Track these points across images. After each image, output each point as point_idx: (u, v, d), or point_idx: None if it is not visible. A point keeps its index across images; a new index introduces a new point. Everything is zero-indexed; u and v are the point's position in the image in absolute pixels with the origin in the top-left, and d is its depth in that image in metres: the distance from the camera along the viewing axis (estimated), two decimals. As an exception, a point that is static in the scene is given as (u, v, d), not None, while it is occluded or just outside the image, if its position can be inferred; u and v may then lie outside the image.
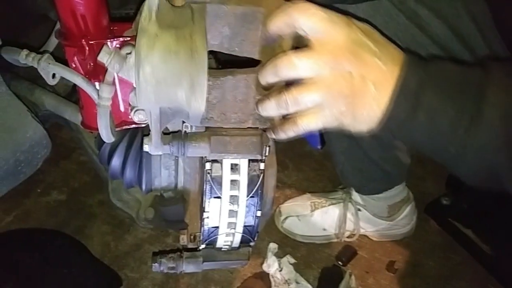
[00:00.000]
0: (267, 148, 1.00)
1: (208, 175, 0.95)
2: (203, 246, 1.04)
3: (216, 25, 0.93)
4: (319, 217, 1.85)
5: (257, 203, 0.98)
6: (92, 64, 1.12)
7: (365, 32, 0.81)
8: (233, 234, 1.01)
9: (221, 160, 0.95)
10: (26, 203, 1.93)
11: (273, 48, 0.89)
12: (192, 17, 0.87)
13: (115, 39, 1.11)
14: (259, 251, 1.78)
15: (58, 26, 1.17)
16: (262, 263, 1.74)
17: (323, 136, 1.66)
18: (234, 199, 0.96)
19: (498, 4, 1.15)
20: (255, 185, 0.97)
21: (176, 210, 1.14)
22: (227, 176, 0.96)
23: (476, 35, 1.18)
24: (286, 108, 0.82)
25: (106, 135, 1.03)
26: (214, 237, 1.01)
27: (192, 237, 1.15)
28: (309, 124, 0.82)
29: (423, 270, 1.83)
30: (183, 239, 1.16)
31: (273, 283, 1.69)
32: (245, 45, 0.95)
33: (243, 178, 0.96)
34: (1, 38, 1.19)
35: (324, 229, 1.85)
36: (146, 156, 1.13)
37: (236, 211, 0.96)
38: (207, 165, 0.95)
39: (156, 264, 1.10)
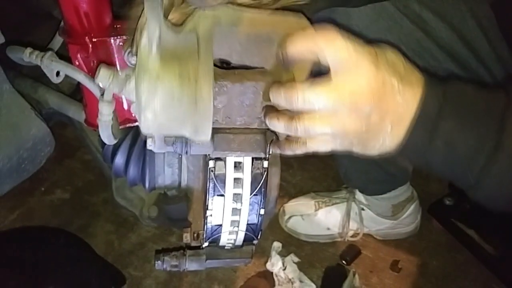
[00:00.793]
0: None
1: (212, 173, 0.95)
2: (206, 244, 1.04)
3: (225, 43, 0.89)
4: (323, 217, 1.84)
5: (261, 201, 0.98)
6: (95, 61, 1.12)
7: (391, 65, 0.77)
8: (237, 232, 1.00)
9: (225, 158, 0.95)
10: (30, 201, 1.93)
11: None
12: (198, 49, 0.81)
13: (118, 37, 1.11)
14: (263, 250, 1.78)
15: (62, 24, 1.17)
16: (266, 262, 1.74)
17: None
18: (237, 197, 0.96)
19: (503, 8, 1.15)
20: (259, 183, 0.96)
21: (179, 208, 1.14)
22: (230, 174, 0.95)
23: (481, 38, 1.17)
24: (295, 132, 0.79)
25: (109, 141, 1.03)
26: (218, 235, 1.00)
27: (195, 235, 1.15)
28: (318, 148, 0.80)
29: (427, 269, 1.83)
30: (187, 237, 1.16)
31: (276, 282, 1.69)
32: (257, 60, 0.92)
33: (246, 176, 0.96)
34: (6, 37, 1.19)
35: (328, 229, 1.85)
36: (150, 154, 1.13)
37: (240, 209, 0.96)
38: (211, 163, 0.95)
39: (159, 262, 1.10)
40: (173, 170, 1.14)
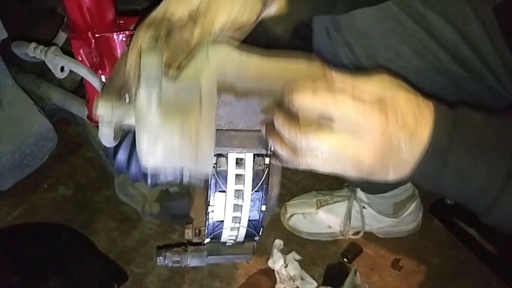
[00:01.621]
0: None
1: (213, 169, 0.95)
2: (208, 240, 1.04)
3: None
4: (324, 215, 1.84)
5: (262, 197, 0.98)
6: (97, 57, 1.12)
7: (400, 118, 0.73)
8: (238, 228, 1.00)
9: (226, 154, 0.95)
10: (33, 198, 1.93)
11: None
12: (200, 101, 0.77)
13: (121, 32, 1.12)
14: (264, 247, 1.78)
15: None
16: (267, 260, 1.74)
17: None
18: (239, 193, 0.96)
19: (504, 12, 1.14)
20: (260, 180, 0.96)
21: (181, 204, 1.14)
22: (232, 170, 0.95)
23: (485, 40, 1.17)
24: (297, 166, 0.77)
25: (109, 144, 1.03)
26: (219, 231, 1.00)
27: (197, 231, 1.15)
28: (319, 169, 0.78)
29: (428, 267, 1.83)
30: (188, 234, 1.16)
31: (278, 280, 1.69)
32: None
33: (248, 172, 0.96)
34: (9, 33, 1.20)
35: (330, 227, 1.85)
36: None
37: (241, 205, 0.96)
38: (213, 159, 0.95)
39: (161, 257, 1.10)
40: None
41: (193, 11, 0.81)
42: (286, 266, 1.70)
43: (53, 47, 1.05)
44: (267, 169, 0.97)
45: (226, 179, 0.95)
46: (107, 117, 0.79)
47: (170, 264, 1.10)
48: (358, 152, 0.73)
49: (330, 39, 1.28)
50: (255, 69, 0.79)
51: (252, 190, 0.96)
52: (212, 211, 0.97)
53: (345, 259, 1.80)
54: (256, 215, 1.00)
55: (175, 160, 0.75)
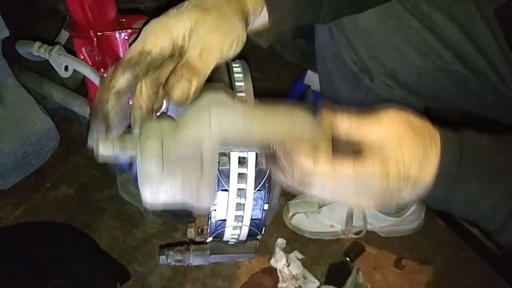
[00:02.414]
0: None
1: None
2: (210, 239, 1.04)
3: None
4: (326, 214, 1.84)
5: (265, 196, 0.98)
6: (99, 55, 1.12)
7: (407, 168, 0.74)
8: (240, 227, 1.00)
9: (229, 153, 0.95)
10: (35, 197, 1.93)
11: None
12: (201, 159, 0.75)
13: (123, 31, 1.12)
14: (267, 246, 1.78)
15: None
16: (270, 259, 1.74)
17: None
18: (241, 192, 0.96)
19: (506, 14, 1.13)
20: (263, 179, 0.96)
21: (183, 203, 1.14)
22: (234, 169, 0.95)
23: (489, 39, 1.16)
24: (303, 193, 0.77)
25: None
26: (221, 230, 1.00)
27: (199, 230, 1.15)
28: (321, 198, 0.78)
29: (430, 266, 1.83)
30: (191, 232, 1.16)
31: (280, 279, 1.69)
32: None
33: (250, 171, 0.96)
34: (11, 32, 1.20)
35: (332, 226, 1.84)
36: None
37: (244, 204, 0.96)
38: (215, 158, 0.95)
39: (163, 256, 1.10)
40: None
41: (177, 45, 0.78)
42: (288, 265, 1.70)
43: (57, 46, 1.05)
44: (269, 168, 0.97)
45: (229, 178, 0.95)
46: (109, 155, 0.77)
47: (172, 263, 1.10)
48: (359, 201, 0.75)
49: (333, 39, 1.28)
50: (259, 133, 0.77)
51: (255, 189, 0.96)
52: (215, 210, 0.97)
53: (347, 258, 1.80)
54: (258, 214, 1.00)
55: (176, 204, 0.76)
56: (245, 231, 1.01)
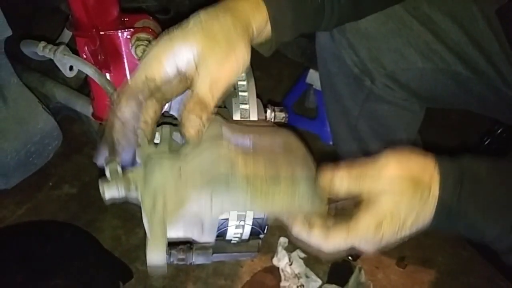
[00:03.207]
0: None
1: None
2: (213, 238, 1.04)
3: None
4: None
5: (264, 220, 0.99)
6: (102, 54, 1.12)
7: (396, 219, 0.79)
8: (243, 226, 1.00)
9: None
10: (38, 196, 1.93)
11: None
12: (202, 227, 0.85)
13: (126, 30, 1.12)
14: (269, 245, 1.78)
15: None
16: (272, 257, 1.74)
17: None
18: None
19: (506, 16, 1.13)
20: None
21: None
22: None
23: (491, 39, 1.15)
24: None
25: None
26: (224, 229, 1.00)
27: (202, 229, 1.15)
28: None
29: (432, 265, 1.83)
30: (193, 231, 1.16)
31: (283, 277, 1.69)
32: None
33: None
34: (13, 31, 1.20)
35: (334, 224, 1.84)
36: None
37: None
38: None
39: (166, 255, 1.10)
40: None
41: (181, 71, 0.79)
42: (291, 264, 1.70)
43: (62, 46, 1.05)
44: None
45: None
46: (116, 197, 0.81)
47: (175, 262, 1.10)
48: (357, 248, 0.83)
49: (333, 41, 1.28)
50: (258, 212, 0.89)
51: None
52: (217, 209, 0.97)
53: (349, 257, 1.80)
54: (261, 213, 1.00)
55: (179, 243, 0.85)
56: (247, 230, 1.01)
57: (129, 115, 0.77)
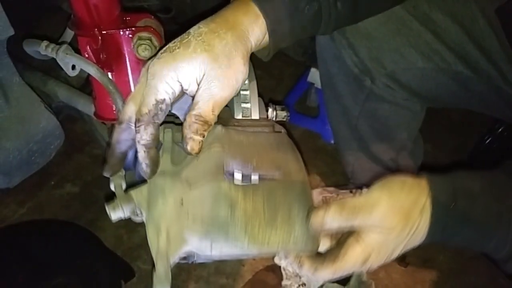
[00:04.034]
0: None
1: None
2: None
3: None
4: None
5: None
6: (104, 53, 1.13)
7: (383, 251, 0.85)
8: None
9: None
10: (40, 195, 1.94)
11: None
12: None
13: (128, 29, 1.12)
14: (271, 244, 1.78)
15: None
16: (274, 256, 1.74)
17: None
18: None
19: (506, 15, 1.13)
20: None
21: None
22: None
23: (492, 39, 1.15)
24: None
25: None
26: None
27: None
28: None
29: (434, 264, 1.83)
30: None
31: (284, 276, 1.68)
32: None
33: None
34: (16, 30, 1.20)
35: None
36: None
37: (249, 177, 0.95)
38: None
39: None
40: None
41: (185, 89, 0.82)
42: (292, 263, 1.70)
43: (64, 46, 1.05)
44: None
45: (233, 176, 0.94)
46: (122, 217, 0.88)
47: (177, 261, 1.10)
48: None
49: (333, 41, 1.28)
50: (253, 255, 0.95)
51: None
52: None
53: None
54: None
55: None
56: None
57: (151, 140, 0.81)
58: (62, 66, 1.07)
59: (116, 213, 0.87)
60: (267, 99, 1.10)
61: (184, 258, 1.09)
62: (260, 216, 0.83)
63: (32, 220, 1.83)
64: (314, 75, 2.14)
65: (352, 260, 0.83)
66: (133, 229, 1.84)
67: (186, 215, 0.82)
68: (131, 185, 0.93)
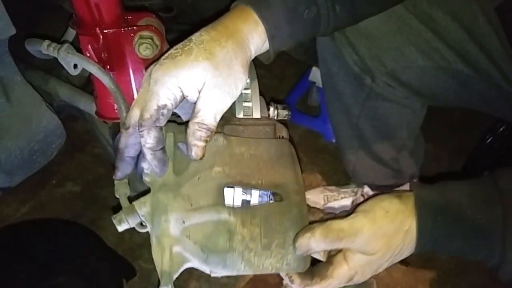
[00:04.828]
0: (281, 138, 1.01)
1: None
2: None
3: None
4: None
5: (269, 193, 0.98)
6: (106, 52, 1.13)
7: (367, 272, 0.93)
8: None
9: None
10: (41, 194, 1.94)
11: None
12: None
13: (129, 28, 1.12)
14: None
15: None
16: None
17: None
18: (247, 189, 0.96)
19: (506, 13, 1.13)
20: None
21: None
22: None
23: (492, 37, 1.15)
24: None
25: None
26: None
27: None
28: None
29: (435, 263, 1.83)
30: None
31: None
32: None
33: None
34: (18, 30, 1.20)
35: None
36: (160, 146, 1.14)
37: (249, 201, 0.96)
38: (221, 155, 0.95)
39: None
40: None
41: (186, 95, 0.84)
42: (293, 262, 1.70)
43: (66, 45, 1.05)
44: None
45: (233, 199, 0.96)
46: (128, 226, 0.93)
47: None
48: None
49: (333, 40, 1.28)
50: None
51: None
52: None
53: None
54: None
55: None
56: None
57: (155, 143, 0.84)
58: (64, 65, 1.07)
59: (122, 226, 0.92)
60: (268, 98, 1.11)
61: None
62: (257, 243, 0.87)
63: (34, 219, 1.84)
64: (315, 74, 2.15)
65: (339, 279, 0.91)
66: (135, 228, 1.84)
67: (187, 236, 0.86)
68: (135, 190, 0.96)
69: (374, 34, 1.20)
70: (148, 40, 1.12)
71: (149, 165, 0.88)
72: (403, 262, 1.78)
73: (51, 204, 1.92)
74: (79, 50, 1.10)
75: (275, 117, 1.09)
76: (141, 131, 0.83)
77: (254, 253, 0.87)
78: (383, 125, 1.44)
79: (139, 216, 0.91)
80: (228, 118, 0.99)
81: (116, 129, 1.28)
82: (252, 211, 0.89)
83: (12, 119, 1.26)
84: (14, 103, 1.26)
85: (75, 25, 1.14)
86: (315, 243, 0.86)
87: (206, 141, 0.84)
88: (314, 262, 0.94)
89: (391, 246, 0.88)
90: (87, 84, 1.66)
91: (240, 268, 0.87)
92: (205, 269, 0.89)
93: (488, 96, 1.22)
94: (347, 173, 1.75)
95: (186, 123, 0.87)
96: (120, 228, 0.92)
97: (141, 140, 0.84)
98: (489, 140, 1.96)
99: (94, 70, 1.02)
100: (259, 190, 0.91)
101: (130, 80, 1.17)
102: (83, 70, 1.08)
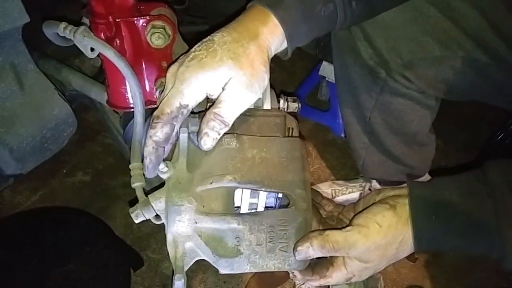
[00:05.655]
0: (291, 130, 1.01)
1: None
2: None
3: None
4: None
5: (277, 196, 0.99)
6: (118, 41, 1.13)
7: (364, 275, 0.97)
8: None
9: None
10: (52, 183, 1.95)
11: None
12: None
13: (142, 17, 1.12)
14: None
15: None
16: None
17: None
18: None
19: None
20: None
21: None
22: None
23: (511, 22, 1.11)
24: None
25: None
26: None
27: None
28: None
29: (443, 260, 1.83)
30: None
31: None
32: None
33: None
34: (31, 18, 1.20)
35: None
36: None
37: (258, 192, 0.97)
38: (230, 146, 0.96)
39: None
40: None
41: (210, 95, 0.87)
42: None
43: (82, 27, 1.05)
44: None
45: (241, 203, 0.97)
46: (144, 218, 0.94)
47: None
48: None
49: (350, 32, 1.28)
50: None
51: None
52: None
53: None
54: (272, 202, 1.01)
55: None
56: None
57: (162, 139, 0.85)
58: (81, 48, 1.07)
59: (138, 219, 0.94)
60: (278, 91, 1.11)
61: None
62: (262, 247, 0.91)
63: (44, 207, 1.85)
64: (325, 69, 2.15)
65: (336, 279, 0.97)
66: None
67: (199, 235, 0.89)
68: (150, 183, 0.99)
69: (390, 24, 1.20)
70: (161, 29, 1.12)
71: (146, 160, 0.88)
72: (411, 257, 1.79)
73: (61, 192, 1.93)
74: (95, 36, 1.10)
75: (285, 109, 1.09)
76: (156, 122, 0.84)
77: (260, 256, 0.90)
78: (395, 120, 1.44)
79: (154, 210, 0.93)
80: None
81: (127, 119, 1.29)
82: (259, 219, 0.91)
83: (24, 106, 1.27)
84: (27, 91, 1.27)
85: (89, 14, 1.14)
86: (313, 251, 0.89)
87: (218, 134, 0.86)
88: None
89: (385, 256, 0.92)
90: (98, 74, 1.66)
91: (246, 268, 0.90)
92: (214, 267, 0.92)
93: (506, 86, 1.19)
94: (355, 167, 1.75)
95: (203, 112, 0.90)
96: (137, 220, 0.94)
97: (149, 131, 0.85)
98: (500, 137, 1.95)
99: (110, 54, 1.02)
100: (267, 193, 0.96)
101: (142, 69, 1.17)
102: (96, 60, 1.08)
